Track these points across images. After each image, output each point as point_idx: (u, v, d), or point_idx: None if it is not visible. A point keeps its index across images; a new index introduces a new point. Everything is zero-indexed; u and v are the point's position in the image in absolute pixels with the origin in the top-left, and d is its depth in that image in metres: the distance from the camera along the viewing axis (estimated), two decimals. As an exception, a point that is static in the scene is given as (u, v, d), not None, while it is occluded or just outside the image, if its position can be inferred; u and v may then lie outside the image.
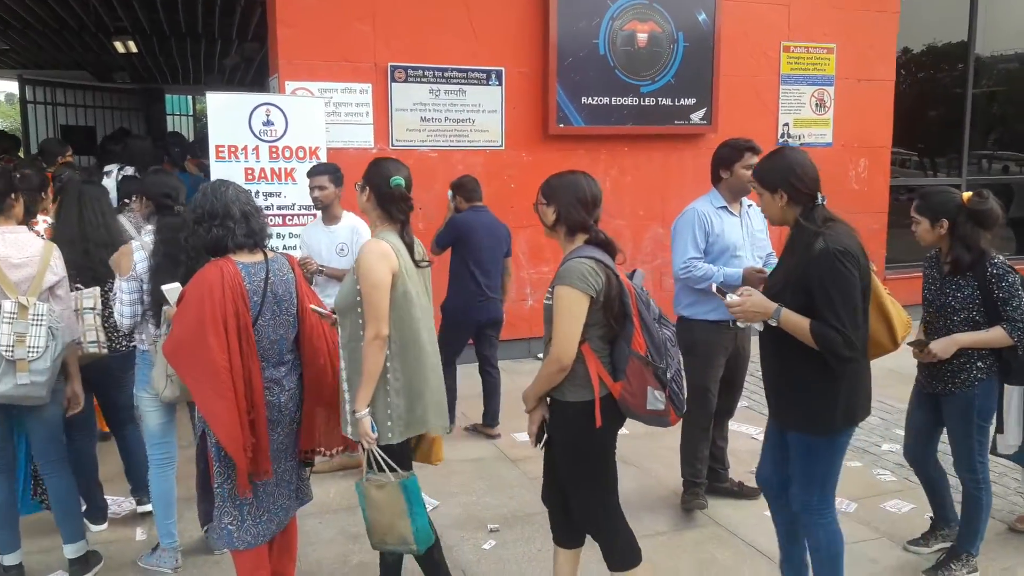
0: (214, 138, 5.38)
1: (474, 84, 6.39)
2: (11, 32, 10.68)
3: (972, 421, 3.24)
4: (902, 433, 3.65)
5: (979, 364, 3.21)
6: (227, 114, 5.41)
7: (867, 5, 7.63)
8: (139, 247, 3.29)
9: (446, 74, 6.29)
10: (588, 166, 6.82)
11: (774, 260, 3.86)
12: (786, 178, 2.66)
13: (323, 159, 5.55)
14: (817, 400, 2.65)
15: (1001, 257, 3.19)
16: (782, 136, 7.53)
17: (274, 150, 5.51)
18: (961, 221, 3.16)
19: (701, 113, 7.05)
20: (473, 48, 6.35)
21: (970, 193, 3.19)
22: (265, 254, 2.83)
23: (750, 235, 3.89)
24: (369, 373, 2.67)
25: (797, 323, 2.58)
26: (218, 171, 5.33)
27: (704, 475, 4.01)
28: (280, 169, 5.53)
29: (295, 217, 5.57)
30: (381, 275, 2.66)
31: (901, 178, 8.67)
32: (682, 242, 3.83)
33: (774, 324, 2.64)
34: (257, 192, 5.44)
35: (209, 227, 2.76)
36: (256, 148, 5.46)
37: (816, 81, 7.61)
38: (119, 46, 11.42)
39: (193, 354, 2.67)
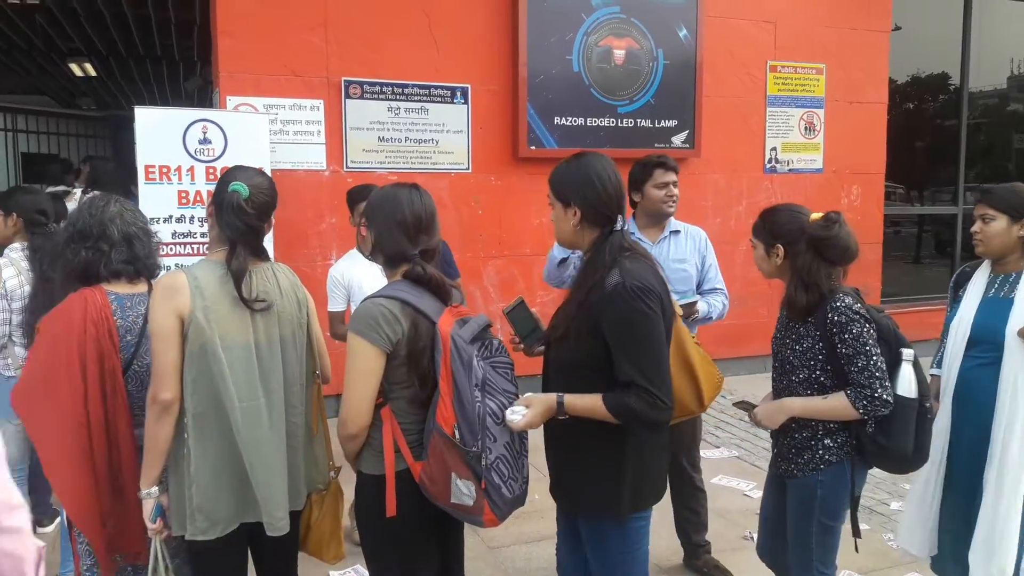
0: (143, 157, 4.81)
1: (437, 102, 5.87)
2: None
3: (812, 517, 2.44)
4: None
5: (827, 442, 2.39)
6: (158, 131, 4.84)
7: (856, 23, 7.22)
8: (7, 263, 2.83)
9: (407, 91, 5.77)
10: (562, 191, 6.37)
11: (694, 297, 3.33)
12: (581, 191, 2.09)
13: (267, 181, 5.04)
14: (603, 479, 2.11)
15: (850, 299, 2.35)
16: (769, 161, 7.07)
17: (211, 171, 4.94)
18: (801, 249, 2.37)
19: (683, 136, 6.57)
20: (436, 63, 5.85)
21: (819, 214, 2.43)
22: (151, 285, 2.35)
23: (667, 267, 3.31)
24: (149, 447, 2.10)
25: (589, 407, 2.03)
26: (147, 193, 4.79)
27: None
28: (218, 192, 4.97)
29: (234, 245, 5.00)
30: (160, 319, 2.07)
31: (896, 206, 8.23)
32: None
33: (564, 418, 2.07)
34: (192, 217, 4.90)
35: (79, 249, 2.29)
36: (191, 168, 4.90)
37: (805, 103, 7.16)
38: (76, 68, 10.92)
39: (40, 403, 2.18)
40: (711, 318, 3.35)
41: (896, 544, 2.87)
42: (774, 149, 7.07)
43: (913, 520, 2.87)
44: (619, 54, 6.31)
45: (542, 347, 2.27)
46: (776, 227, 2.45)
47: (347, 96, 5.61)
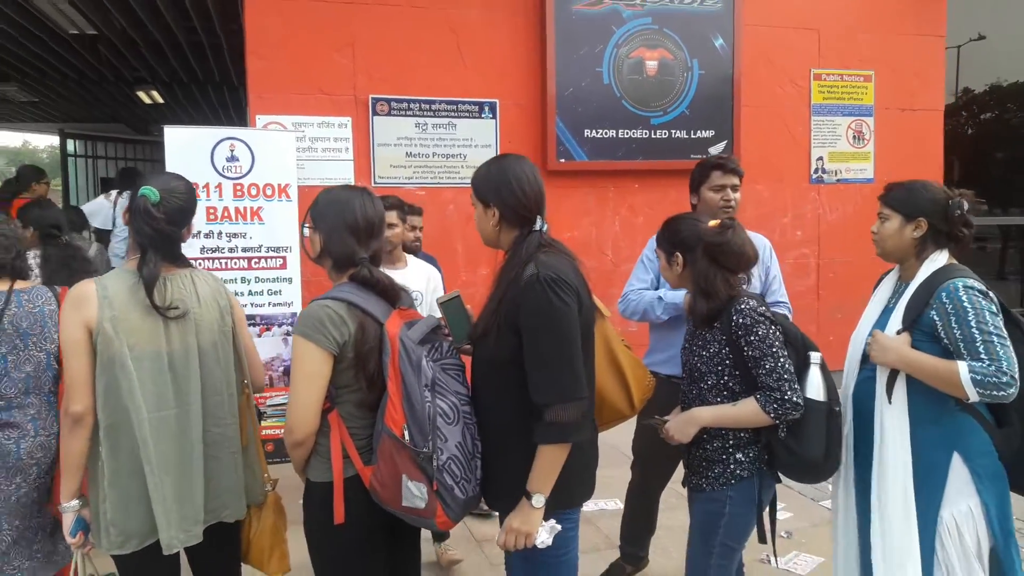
0: (172, 175, 4.97)
1: (465, 117, 5.88)
2: (42, 84, 10.75)
3: (715, 536, 2.34)
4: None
5: (738, 456, 2.30)
6: (187, 149, 4.98)
7: (907, 29, 6.93)
8: None
9: (433, 107, 5.80)
10: (595, 205, 6.28)
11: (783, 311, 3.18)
12: (499, 192, 2.08)
13: (293, 198, 5.13)
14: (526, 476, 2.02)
15: (755, 302, 2.29)
16: (816, 171, 6.81)
17: (239, 187, 5.06)
18: (698, 256, 2.34)
19: (721, 146, 6.39)
20: (463, 79, 5.86)
21: (716, 221, 2.38)
22: (12, 283, 2.49)
23: None
24: (65, 460, 2.09)
25: None
26: (176, 211, 4.93)
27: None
28: (245, 208, 5.07)
29: (262, 260, 5.10)
30: (67, 331, 2.05)
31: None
32: (631, 276, 3.24)
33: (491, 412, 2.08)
34: (220, 232, 5.02)
35: None
36: (219, 185, 5.03)
37: (853, 111, 6.89)
38: (144, 96, 11.41)
39: None
40: None
41: None
42: (820, 159, 6.82)
43: (847, 555, 2.55)
44: (651, 65, 6.20)
45: (469, 346, 2.22)
46: (675, 235, 2.43)
47: (374, 113, 5.67)
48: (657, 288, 3.16)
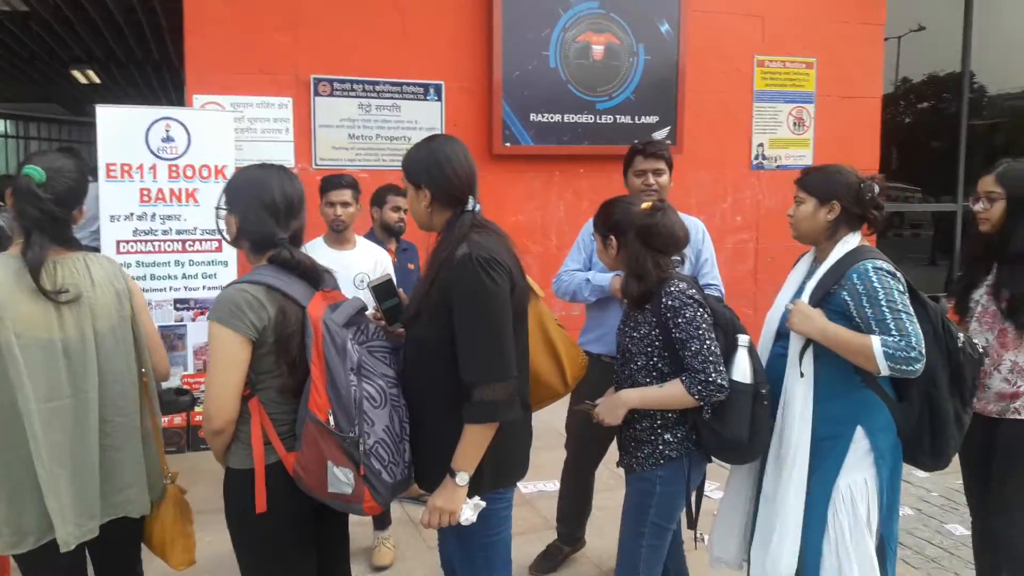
0: (104, 155, 4.80)
1: (409, 99, 5.82)
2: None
3: (647, 515, 2.37)
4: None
5: (666, 436, 2.34)
6: (120, 129, 4.84)
7: (848, 16, 7.05)
8: None
9: (377, 87, 5.72)
10: (540, 189, 6.27)
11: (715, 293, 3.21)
12: (429, 173, 2.07)
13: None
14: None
15: (684, 284, 2.31)
16: (756, 158, 6.91)
17: (174, 169, 4.93)
18: (630, 239, 2.37)
19: (665, 132, 6.44)
20: (408, 60, 5.79)
21: (647, 203, 2.41)
22: None
23: None
24: None
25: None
26: (108, 191, 4.79)
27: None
28: (180, 190, 4.95)
29: (196, 243, 4.98)
30: None
31: (891, 205, 8.02)
32: (567, 259, 3.28)
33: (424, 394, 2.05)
34: (154, 215, 4.88)
35: None
36: (153, 166, 4.89)
37: (794, 98, 7.00)
38: (79, 76, 11.05)
39: None
40: None
41: (711, 554, 2.63)
42: (761, 145, 6.92)
43: (726, 526, 2.61)
44: (598, 50, 6.21)
45: (402, 328, 2.20)
46: (609, 218, 2.44)
47: (316, 94, 5.57)
48: (589, 269, 3.19)
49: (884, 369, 2.19)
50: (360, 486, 1.89)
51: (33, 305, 1.98)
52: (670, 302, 2.28)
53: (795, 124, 7.02)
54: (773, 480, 2.41)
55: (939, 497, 4.37)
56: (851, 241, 2.39)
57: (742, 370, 2.28)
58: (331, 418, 1.87)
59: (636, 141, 3.33)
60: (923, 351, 2.19)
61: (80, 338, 2.05)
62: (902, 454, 2.40)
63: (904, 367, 2.18)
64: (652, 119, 6.38)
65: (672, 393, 2.27)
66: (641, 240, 2.35)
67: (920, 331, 2.22)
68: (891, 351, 2.18)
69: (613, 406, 2.38)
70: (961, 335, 2.37)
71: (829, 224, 2.41)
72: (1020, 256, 2.63)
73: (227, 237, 2.08)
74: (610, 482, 3.68)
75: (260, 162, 2.13)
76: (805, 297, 2.38)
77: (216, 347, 1.92)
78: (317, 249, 3.61)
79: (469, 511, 1.98)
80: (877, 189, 2.37)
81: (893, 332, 2.20)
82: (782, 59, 6.92)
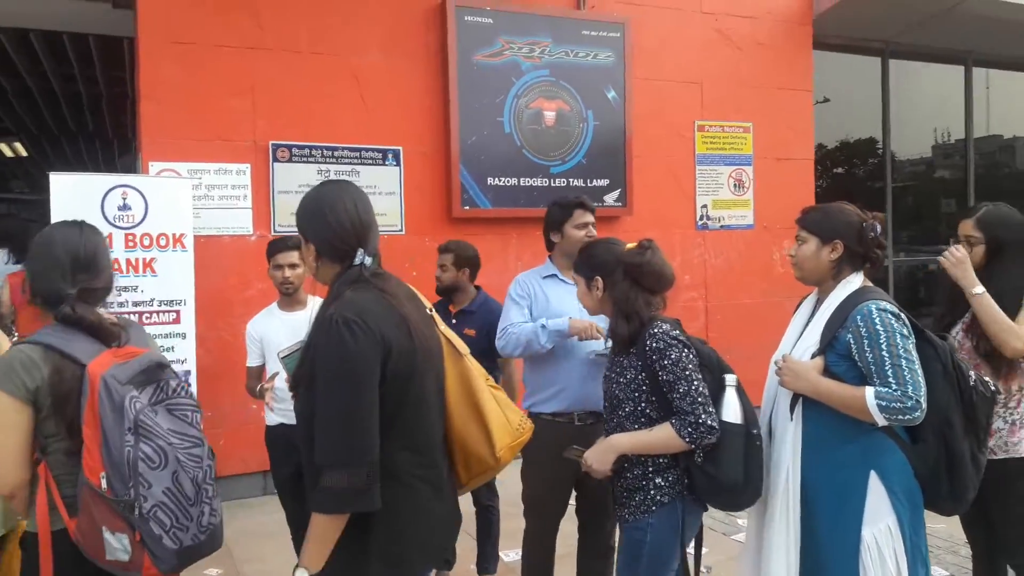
0: (57, 224, 4.65)
1: (369, 164, 5.85)
2: None
3: (640, 563, 2.30)
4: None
5: (658, 481, 2.29)
6: (75, 197, 4.70)
7: (780, 83, 7.47)
8: None
9: (336, 153, 5.74)
10: (498, 250, 6.32)
11: None
12: (313, 225, 1.88)
13: (189, 248, 4.90)
14: (344, 541, 1.76)
15: (668, 326, 2.29)
16: (701, 219, 7.16)
17: (131, 238, 4.80)
18: (618, 279, 2.36)
19: (615, 194, 6.63)
20: (366, 126, 5.84)
21: (634, 243, 2.40)
22: None
23: None
24: None
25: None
26: (61, 261, 4.61)
27: None
28: (137, 259, 4.80)
29: (154, 315, 4.82)
30: None
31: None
32: (504, 315, 3.20)
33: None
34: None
35: None
36: (110, 235, 4.73)
37: (734, 161, 7.32)
38: (5, 149, 10.71)
39: None
40: None
41: None
42: (705, 206, 7.17)
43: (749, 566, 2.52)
44: (550, 116, 6.40)
45: None
46: (593, 260, 2.47)
47: (275, 160, 5.54)
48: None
49: (880, 420, 2.16)
50: (138, 552, 1.82)
51: None
52: (655, 344, 2.25)
53: (735, 185, 7.32)
54: (769, 530, 2.35)
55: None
56: (854, 281, 2.37)
57: (732, 410, 2.26)
58: (103, 482, 1.82)
59: (566, 196, 3.35)
60: (921, 399, 2.15)
61: None
62: (922, 498, 2.33)
63: (900, 417, 2.15)
64: (603, 182, 6.56)
65: (662, 436, 2.22)
66: (631, 279, 2.35)
67: (920, 378, 2.18)
68: (885, 403, 2.14)
69: (603, 452, 2.34)
70: (972, 373, 2.32)
71: (833, 264, 2.38)
72: (999, 296, 2.70)
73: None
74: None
75: (62, 221, 2.09)
76: (809, 338, 2.36)
77: None
78: (272, 314, 3.59)
79: None
80: (879, 228, 2.39)
81: (890, 380, 2.16)
82: (721, 123, 7.25)
